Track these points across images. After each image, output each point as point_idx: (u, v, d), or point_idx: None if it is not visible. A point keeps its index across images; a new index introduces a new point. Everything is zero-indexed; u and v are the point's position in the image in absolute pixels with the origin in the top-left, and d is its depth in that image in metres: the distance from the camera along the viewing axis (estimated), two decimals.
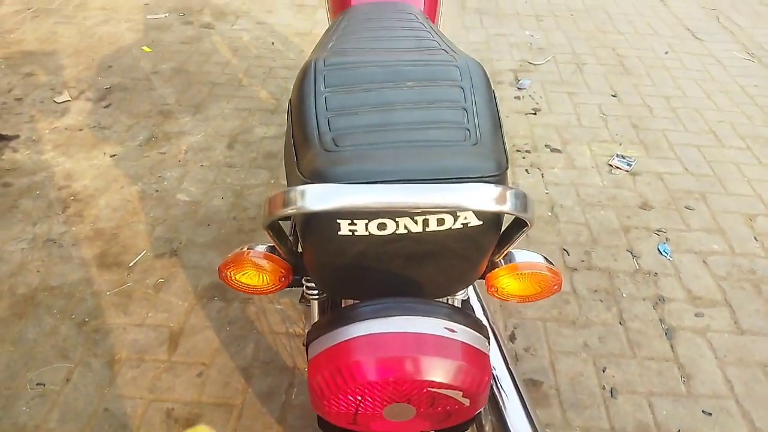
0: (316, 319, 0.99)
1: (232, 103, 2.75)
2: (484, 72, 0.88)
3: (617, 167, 2.38)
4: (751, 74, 3.13)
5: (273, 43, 3.31)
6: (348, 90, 0.82)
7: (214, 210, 2.12)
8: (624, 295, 1.84)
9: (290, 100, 0.88)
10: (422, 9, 1.34)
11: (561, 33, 3.53)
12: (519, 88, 2.94)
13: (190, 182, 2.24)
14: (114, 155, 2.38)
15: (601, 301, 1.82)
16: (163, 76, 2.95)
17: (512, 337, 1.70)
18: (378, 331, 0.69)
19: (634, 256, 1.98)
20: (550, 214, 2.15)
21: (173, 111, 2.68)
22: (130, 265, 1.89)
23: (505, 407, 0.94)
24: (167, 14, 3.60)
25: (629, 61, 3.22)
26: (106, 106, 2.69)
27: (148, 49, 3.19)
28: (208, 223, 2.06)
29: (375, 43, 1.00)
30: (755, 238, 2.06)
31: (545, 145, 2.52)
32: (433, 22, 1.38)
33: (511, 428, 0.91)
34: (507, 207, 0.63)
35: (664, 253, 1.99)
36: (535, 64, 3.16)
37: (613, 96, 2.89)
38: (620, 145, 2.53)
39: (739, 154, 2.49)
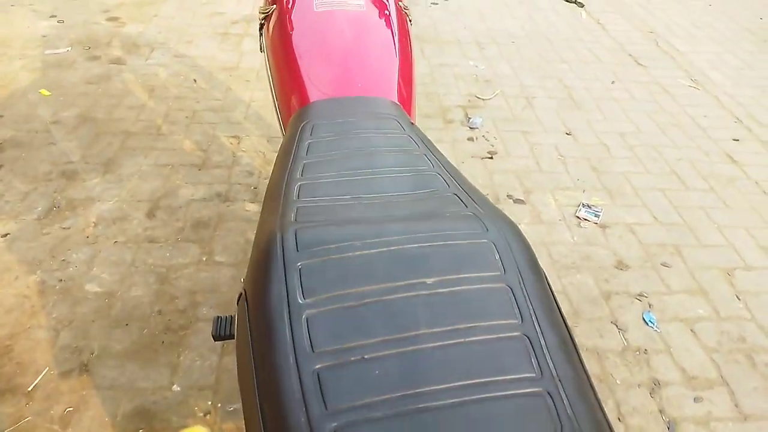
0: None
1: (151, 158, 2.37)
2: (528, 246, 0.62)
3: (585, 219, 2.21)
4: (699, 103, 3.08)
5: (195, 81, 2.94)
6: (341, 300, 0.53)
7: (133, 303, 1.75)
8: (618, 382, 1.64)
9: (245, 294, 0.58)
10: (395, 99, 1.09)
11: (505, 62, 3.36)
12: (471, 127, 2.74)
13: (102, 266, 1.86)
14: (5, 235, 1.96)
15: None
16: (66, 125, 2.53)
17: None
18: None
19: (620, 330, 1.79)
20: None
21: (79, 171, 2.27)
22: (29, 389, 1.51)
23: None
24: (69, 48, 3.15)
25: (578, 93, 3.09)
26: None
27: (46, 93, 2.74)
28: (126, 322, 1.69)
29: (361, 187, 0.72)
30: (737, 297, 1.93)
31: (507, 195, 2.31)
32: (410, 115, 1.12)
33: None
34: None
35: (650, 324, 1.82)
36: (484, 99, 2.97)
37: (567, 134, 2.74)
38: (584, 192, 2.37)
39: (704, 197, 2.38)
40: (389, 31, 1.18)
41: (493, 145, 2.62)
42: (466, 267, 0.57)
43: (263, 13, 1.30)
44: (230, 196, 2.21)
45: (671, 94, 3.17)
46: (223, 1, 3.84)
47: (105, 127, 2.54)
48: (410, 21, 1.32)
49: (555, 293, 0.66)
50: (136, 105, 2.71)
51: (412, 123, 0.95)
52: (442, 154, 0.88)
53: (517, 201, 2.29)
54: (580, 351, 0.53)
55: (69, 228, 2.00)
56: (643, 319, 1.84)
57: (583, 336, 1.76)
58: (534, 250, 0.71)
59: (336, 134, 0.88)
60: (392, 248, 0.58)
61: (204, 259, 1.92)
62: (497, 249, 0.61)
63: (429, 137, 0.95)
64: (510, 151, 2.59)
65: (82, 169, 2.28)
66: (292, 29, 1.14)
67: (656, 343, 1.77)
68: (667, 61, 3.55)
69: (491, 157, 2.53)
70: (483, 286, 0.56)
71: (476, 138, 2.67)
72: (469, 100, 2.96)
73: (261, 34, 1.34)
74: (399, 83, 1.12)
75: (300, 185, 0.77)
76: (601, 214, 2.23)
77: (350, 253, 0.57)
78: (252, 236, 2.02)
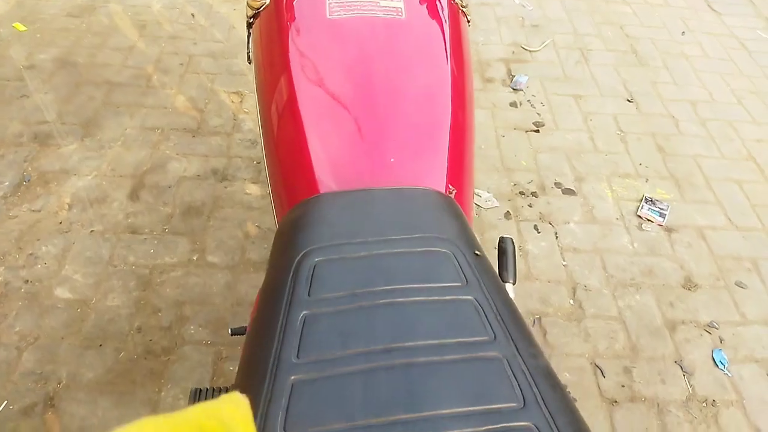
0: None
1: (137, 118, 2.02)
2: None
3: (648, 219, 1.86)
4: None
5: (193, 16, 2.51)
6: None
7: (110, 315, 1.48)
8: None
9: None
10: (445, 188, 0.73)
11: (557, 1, 2.86)
12: (514, 89, 2.32)
13: (76, 264, 1.58)
14: None
15: None
16: (42, 71, 2.16)
17: None
18: None
19: (684, 373, 1.50)
20: (572, 302, 1.63)
21: (54, 134, 1.94)
22: None
23: None
24: None
25: (642, 46, 2.62)
26: None
27: (21, 27, 2.35)
28: (101, 341, 1.43)
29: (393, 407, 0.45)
30: None
31: (555, 184, 1.95)
32: (466, 209, 0.77)
33: None
34: None
35: (720, 366, 1.52)
36: (531, 51, 2.53)
37: (629, 101, 2.32)
38: (647, 181, 1.99)
39: None
40: (442, 56, 0.80)
41: (539, 114, 2.22)
42: None
43: (253, 7, 0.91)
44: (228, 173, 1.88)
45: (749, 50, 2.68)
46: None
47: (86, 74, 2.17)
48: (468, 21, 0.92)
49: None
50: (124, 46, 2.31)
51: (478, 254, 0.61)
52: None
53: (567, 191, 1.93)
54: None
55: (39, 210, 1.71)
56: (713, 358, 1.54)
57: (641, 379, 1.48)
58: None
59: (353, 262, 0.57)
60: None
61: (194, 258, 1.63)
62: None
63: None
64: (560, 121, 2.19)
65: (57, 132, 1.95)
66: (293, 53, 0.77)
67: (727, 391, 1.48)
68: (743, 5, 3.01)
69: (537, 130, 2.15)
70: None
71: (520, 103, 2.26)
72: (514, 52, 2.52)
73: (249, 40, 0.96)
74: (454, 156, 0.77)
75: (294, 381, 0.48)
76: (667, 213, 1.88)
77: None
78: (252, 229, 1.71)
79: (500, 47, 2.54)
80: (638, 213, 1.87)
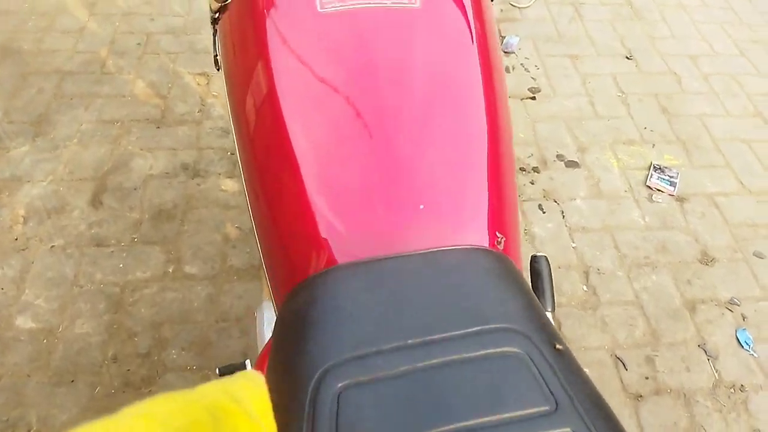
0: None
1: (93, 110, 1.82)
2: None
3: (658, 189, 1.73)
4: None
5: None
6: None
7: (80, 344, 1.33)
8: None
9: None
10: (492, 240, 0.57)
11: None
12: (506, 51, 2.15)
13: (37, 286, 1.41)
14: None
15: None
16: None
17: None
18: None
19: (709, 357, 1.41)
20: (585, 288, 1.51)
21: (0, 135, 1.73)
22: None
23: None
24: None
25: None
26: None
27: None
28: (72, 375, 1.28)
29: None
30: None
31: (557, 156, 1.81)
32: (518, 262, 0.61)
33: None
34: None
35: (745, 346, 1.43)
36: (520, 8, 2.34)
37: (628, 59, 2.16)
38: (653, 147, 1.86)
39: None
40: (472, 56, 0.63)
41: (534, 79, 2.05)
42: None
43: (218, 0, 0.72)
44: (200, 168, 1.70)
45: None
46: None
47: (33, 63, 1.94)
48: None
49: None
50: (74, 28, 2.07)
51: (559, 348, 0.46)
52: None
53: (570, 163, 1.79)
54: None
55: None
56: (737, 338, 1.45)
57: (664, 368, 1.38)
58: None
59: (395, 420, 0.40)
60: None
61: (170, 270, 1.46)
62: None
63: None
64: (557, 86, 2.03)
65: (5, 132, 1.74)
66: (277, 65, 0.59)
67: (754, 374, 1.39)
68: None
69: (534, 97, 1.99)
70: None
71: (513, 67, 2.09)
72: (502, 10, 2.33)
73: (215, 40, 0.77)
74: (497, 189, 0.60)
75: None
76: (677, 180, 1.75)
77: None
78: (232, 231, 1.56)
79: None
80: (647, 183, 1.74)
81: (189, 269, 1.47)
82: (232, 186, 1.66)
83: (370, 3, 0.60)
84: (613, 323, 1.45)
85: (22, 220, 1.54)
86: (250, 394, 0.46)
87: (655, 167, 1.78)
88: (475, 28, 0.66)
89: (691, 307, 1.50)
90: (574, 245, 1.60)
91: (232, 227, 1.56)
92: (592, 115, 1.94)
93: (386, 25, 0.60)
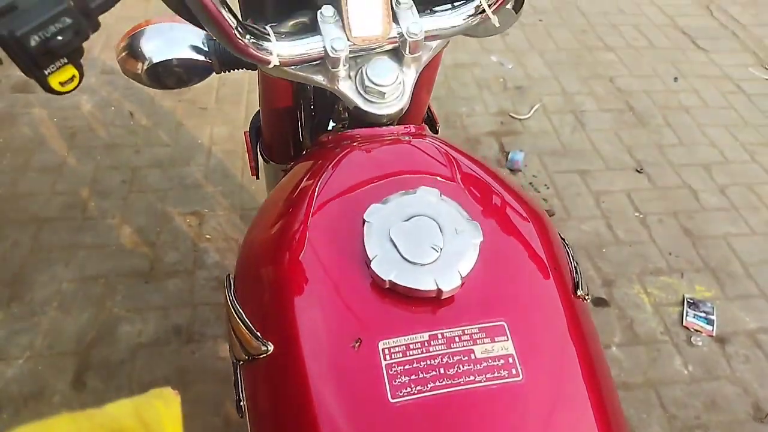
0: None
1: (74, 266, 1.65)
2: None
3: (696, 329, 1.60)
4: None
5: (132, 115, 2.15)
6: None
7: None
8: None
9: None
10: None
11: (537, 54, 2.62)
12: (511, 169, 2.05)
13: None
14: None
15: None
16: None
17: None
18: None
19: None
20: None
21: None
22: None
23: None
24: None
25: (638, 101, 2.40)
26: None
27: None
28: None
29: None
30: None
31: None
32: None
33: None
34: None
35: None
36: (520, 119, 2.27)
37: (639, 172, 2.08)
38: (683, 276, 1.74)
39: None
40: None
41: (546, 200, 1.95)
42: None
43: (248, 351, 0.57)
44: (194, 330, 1.53)
45: (746, 93, 2.50)
46: None
47: (9, 210, 1.78)
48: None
49: None
50: (52, 165, 1.94)
51: None
52: None
53: (599, 302, 1.66)
54: None
55: None
56: None
57: None
58: None
59: None
60: None
61: None
62: None
63: None
64: (570, 207, 1.93)
65: None
66: None
67: None
68: (729, 39, 2.84)
69: None
70: None
71: (522, 187, 1.98)
72: (502, 122, 2.25)
73: (238, 385, 0.62)
74: None
75: None
76: (714, 317, 1.63)
77: None
78: (233, 410, 1.37)
79: (486, 118, 2.27)
80: (684, 323, 1.61)
81: None
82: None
83: (456, 383, 0.45)
84: None
85: None
86: (162, 417, 0.43)
87: (688, 302, 1.66)
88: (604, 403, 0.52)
89: None
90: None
91: (232, 407, 1.38)
92: (613, 240, 1.83)
93: (481, 416, 0.46)
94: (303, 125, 0.86)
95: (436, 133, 0.88)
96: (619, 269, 1.75)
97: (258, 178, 1.01)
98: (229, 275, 0.62)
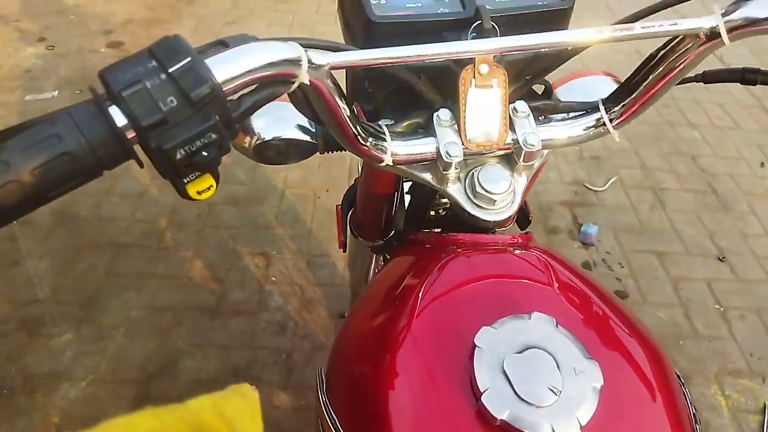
0: None
1: (146, 294, 1.70)
2: None
3: None
4: None
5: None
6: None
7: None
8: None
9: None
10: None
11: None
12: (584, 243, 2.00)
13: None
14: None
15: None
16: (36, 227, 1.86)
17: None
18: None
19: None
20: None
21: (45, 318, 1.61)
22: None
23: None
24: (56, 92, 2.46)
25: (721, 184, 2.30)
26: None
27: None
28: None
29: None
30: None
31: None
32: None
33: None
34: None
35: None
36: (595, 191, 2.21)
37: (721, 260, 1.98)
38: (764, 382, 1.63)
39: None
40: None
41: (620, 280, 1.88)
42: None
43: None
44: (252, 373, 1.53)
45: None
46: (252, 21, 3.09)
47: (88, 233, 1.86)
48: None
49: None
50: (134, 192, 2.02)
51: None
52: None
53: None
54: None
55: None
56: None
57: None
58: None
59: None
60: None
61: None
62: None
63: None
64: (646, 291, 1.85)
65: (50, 315, 1.62)
66: None
67: None
68: None
69: None
70: None
71: (594, 263, 1.93)
72: (576, 192, 2.20)
73: None
74: None
75: None
76: None
77: None
78: None
79: (560, 186, 2.23)
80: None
81: None
82: (286, 402, 1.48)
83: None
84: None
85: (54, 428, 1.37)
86: (241, 412, 0.44)
87: None
88: None
89: None
90: None
91: None
92: (691, 333, 1.73)
93: None
94: (397, 208, 0.86)
95: (529, 223, 0.86)
96: (696, 365, 1.65)
97: (345, 251, 1.02)
98: (321, 371, 0.60)
